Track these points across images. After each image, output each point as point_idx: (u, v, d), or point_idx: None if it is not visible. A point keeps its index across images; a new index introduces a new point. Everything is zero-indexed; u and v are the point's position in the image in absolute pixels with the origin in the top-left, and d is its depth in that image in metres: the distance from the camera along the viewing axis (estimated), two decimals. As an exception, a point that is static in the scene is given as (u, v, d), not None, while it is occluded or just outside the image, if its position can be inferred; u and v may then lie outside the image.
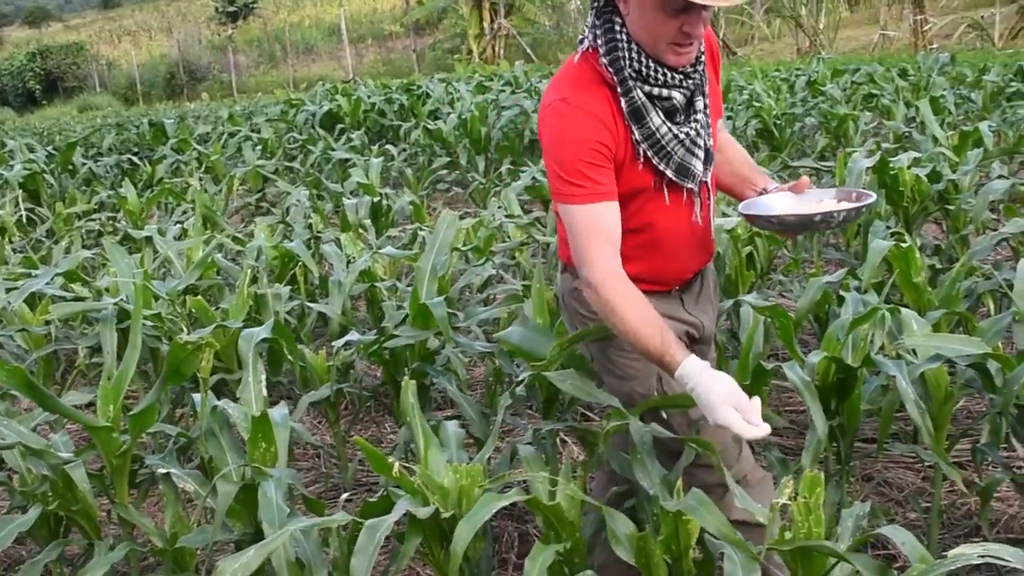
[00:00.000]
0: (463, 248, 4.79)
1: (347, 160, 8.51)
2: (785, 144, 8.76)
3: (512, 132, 10.03)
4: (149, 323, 4.10)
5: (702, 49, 2.51)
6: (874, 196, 2.64)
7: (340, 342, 3.76)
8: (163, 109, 27.24)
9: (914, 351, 3.19)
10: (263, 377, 3.13)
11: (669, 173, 2.51)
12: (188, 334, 3.83)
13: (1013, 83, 10.38)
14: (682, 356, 2.35)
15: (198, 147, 10.26)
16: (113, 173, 10.22)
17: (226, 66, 37.80)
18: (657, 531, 2.44)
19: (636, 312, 2.39)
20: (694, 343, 2.77)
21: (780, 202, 2.68)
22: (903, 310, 3.51)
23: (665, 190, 2.55)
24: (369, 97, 12.96)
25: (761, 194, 2.76)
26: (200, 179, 8.52)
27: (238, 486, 2.79)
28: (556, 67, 18.33)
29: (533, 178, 6.63)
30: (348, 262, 4.97)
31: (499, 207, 6.06)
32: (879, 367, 3.18)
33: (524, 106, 10.52)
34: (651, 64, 2.41)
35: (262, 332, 3.26)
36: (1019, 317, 3.26)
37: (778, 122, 8.99)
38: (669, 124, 2.48)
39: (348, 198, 6.75)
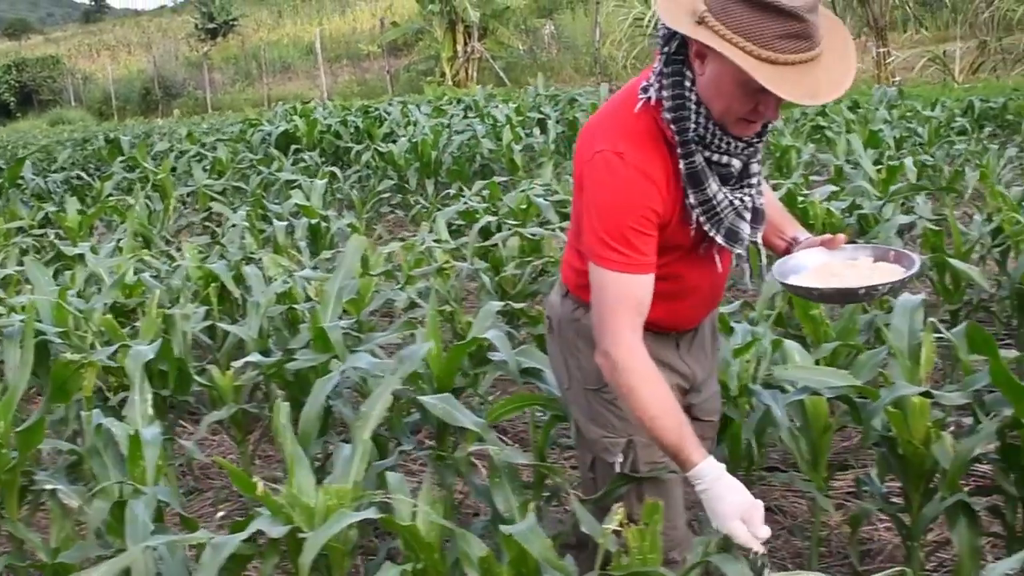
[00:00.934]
0: (373, 273, 4.85)
1: (293, 181, 8.59)
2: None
3: (462, 157, 10.12)
4: (58, 340, 4.16)
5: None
6: (917, 260, 2.47)
7: (239, 363, 3.83)
8: (132, 125, 27.22)
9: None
10: (149, 396, 3.20)
11: (719, 239, 2.38)
12: (96, 351, 3.89)
13: (959, 119, 10.56)
14: (699, 457, 2.25)
15: (146, 165, 10.32)
16: (63, 189, 10.27)
17: (201, 83, 37.81)
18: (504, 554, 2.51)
19: (657, 401, 2.28)
20: (685, 394, 2.67)
21: (811, 259, 2.54)
22: (787, 341, 3.61)
23: (716, 256, 2.46)
24: (325, 119, 13.05)
25: (790, 245, 2.65)
26: (148, 197, 8.57)
27: (111, 503, 2.86)
28: (526, 91, 18.53)
29: (466, 202, 6.71)
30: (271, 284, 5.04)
31: (430, 231, 6.14)
32: (756, 396, 3.27)
33: (476, 130, 10.63)
34: (716, 132, 2.24)
35: (149, 352, 3.32)
36: (893, 351, 3.34)
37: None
38: (725, 190, 2.32)
39: (279, 220, 6.81)
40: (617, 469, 2.58)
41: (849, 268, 2.49)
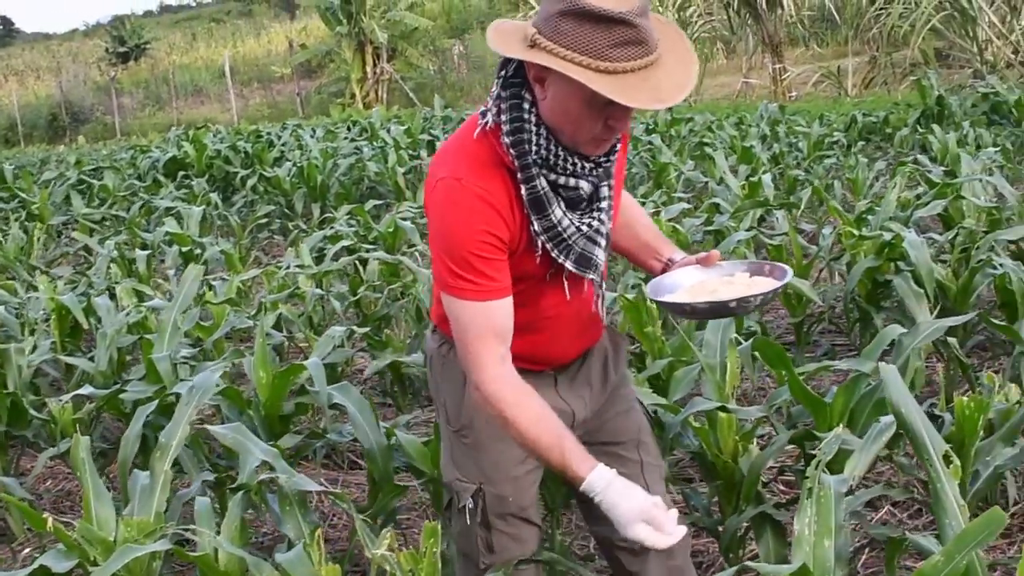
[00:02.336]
0: (215, 302, 4.85)
1: (172, 208, 8.53)
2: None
3: (349, 180, 10.11)
4: None
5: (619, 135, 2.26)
6: (789, 271, 2.44)
7: (66, 397, 3.82)
8: (33, 152, 26.78)
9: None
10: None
11: (569, 266, 2.29)
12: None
13: (837, 133, 10.82)
14: (586, 470, 2.18)
15: (24, 195, 10.17)
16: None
17: (110, 108, 37.27)
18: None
19: (532, 426, 2.22)
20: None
21: (687, 278, 2.48)
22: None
23: (565, 282, 2.35)
24: (214, 144, 12.96)
25: (666, 266, 2.56)
26: (23, 227, 8.45)
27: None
28: (420, 112, 18.66)
29: (333, 228, 6.73)
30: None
31: (295, 256, 6.15)
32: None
33: (363, 153, 10.61)
34: (560, 152, 2.17)
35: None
36: (704, 367, 3.43)
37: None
38: (571, 216, 2.24)
39: (142, 250, 6.76)
40: (467, 515, 2.50)
41: (725, 285, 2.43)
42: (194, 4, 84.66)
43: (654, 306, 3.91)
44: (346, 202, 9.53)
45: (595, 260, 2.32)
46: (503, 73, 2.21)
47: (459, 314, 2.26)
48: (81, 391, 3.89)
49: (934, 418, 3.06)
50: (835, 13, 21.86)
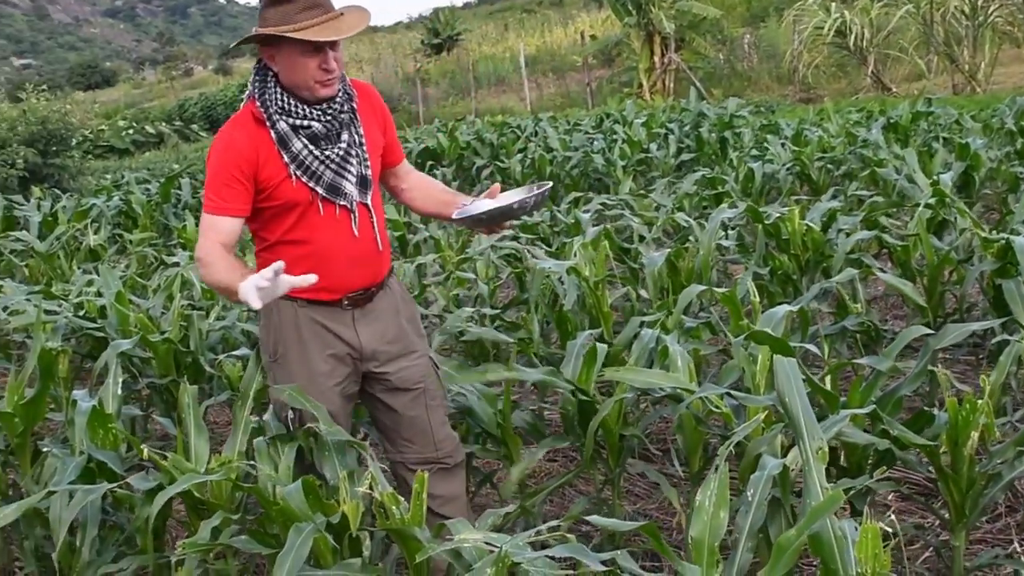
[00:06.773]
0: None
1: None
2: (823, 187, 9.01)
3: (578, 172, 10.56)
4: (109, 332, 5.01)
5: (349, 95, 3.24)
6: (549, 184, 3.42)
7: (221, 356, 4.54)
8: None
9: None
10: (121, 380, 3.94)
11: (320, 190, 3.16)
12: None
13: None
14: (237, 285, 2.95)
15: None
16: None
17: (415, 97, 39.44)
18: None
19: (212, 275, 3.08)
20: (356, 361, 3.35)
21: (483, 204, 3.38)
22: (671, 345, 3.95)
23: (320, 205, 3.18)
24: (464, 137, 13.74)
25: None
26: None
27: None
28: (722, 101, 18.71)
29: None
30: None
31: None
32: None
33: (592, 145, 10.96)
34: (292, 102, 3.11)
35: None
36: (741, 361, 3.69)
37: (823, 163, 9.21)
38: (312, 147, 3.13)
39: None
40: (291, 425, 3.30)
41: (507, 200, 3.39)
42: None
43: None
44: (573, 192, 10.02)
45: (344, 189, 3.19)
46: (256, 66, 3.20)
47: (202, 219, 3.20)
48: (235, 352, 4.61)
49: (931, 417, 3.21)
50: None
